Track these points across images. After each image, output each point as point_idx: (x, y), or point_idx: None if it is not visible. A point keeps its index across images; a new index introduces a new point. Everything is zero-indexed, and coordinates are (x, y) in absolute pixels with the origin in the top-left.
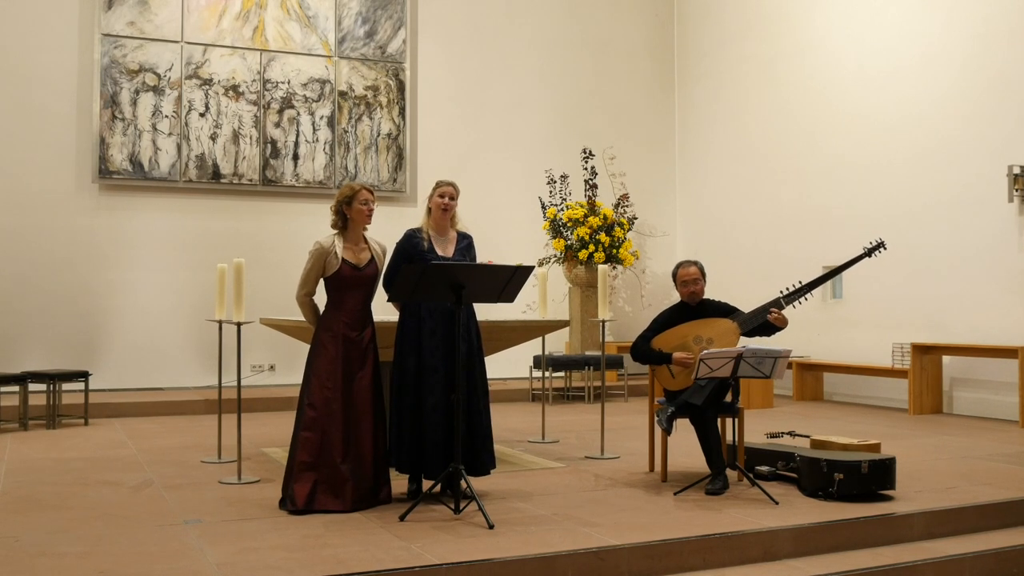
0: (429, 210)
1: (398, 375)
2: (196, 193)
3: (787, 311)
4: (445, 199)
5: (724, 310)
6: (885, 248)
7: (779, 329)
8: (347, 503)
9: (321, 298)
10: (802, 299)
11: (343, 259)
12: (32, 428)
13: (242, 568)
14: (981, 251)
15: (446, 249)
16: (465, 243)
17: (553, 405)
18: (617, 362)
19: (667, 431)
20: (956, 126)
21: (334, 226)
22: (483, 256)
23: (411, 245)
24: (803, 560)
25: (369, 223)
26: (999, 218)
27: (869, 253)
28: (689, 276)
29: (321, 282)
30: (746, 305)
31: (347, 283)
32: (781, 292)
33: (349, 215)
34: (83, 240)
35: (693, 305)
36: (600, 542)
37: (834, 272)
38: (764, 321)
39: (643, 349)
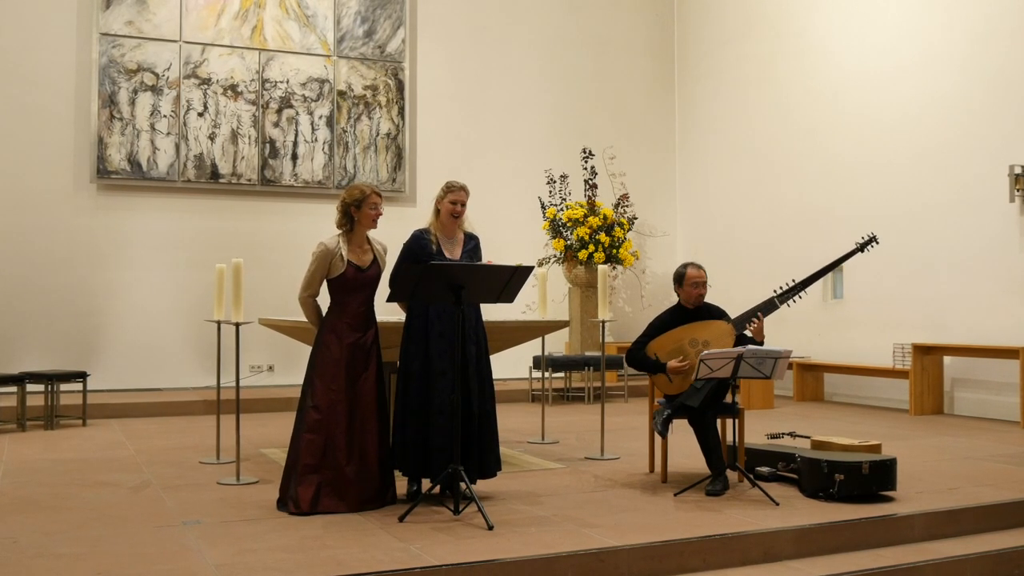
0: (437, 212)
1: (403, 376)
2: (194, 193)
3: (783, 310)
4: (458, 206)
5: (719, 313)
6: (877, 243)
7: (759, 343)
8: (352, 505)
9: (322, 298)
10: (796, 297)
11: (348, 260)
12: (30, 429)
13: (241, 569)
14: (982, 251)
15: (453, 251)
16: (472, 244)
17: (553, 406)
18: (617, 362)
19: (661, 434)
20: (956, 126)
21: (339, 225)
22: (484, 256)
23: (419, 246)
24: (804, 561)
25: (375, 228)
26: (1000, 218)
27: (861, 248)
28: (700, 278)
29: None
30: (745, 306)
31: (351, 285)
32: (775, 291)
33: (357, 218)
34: (81, 240)
35: (691, 308)
36: (600, 543)
37: (827, 269)
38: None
39: (638, 356)
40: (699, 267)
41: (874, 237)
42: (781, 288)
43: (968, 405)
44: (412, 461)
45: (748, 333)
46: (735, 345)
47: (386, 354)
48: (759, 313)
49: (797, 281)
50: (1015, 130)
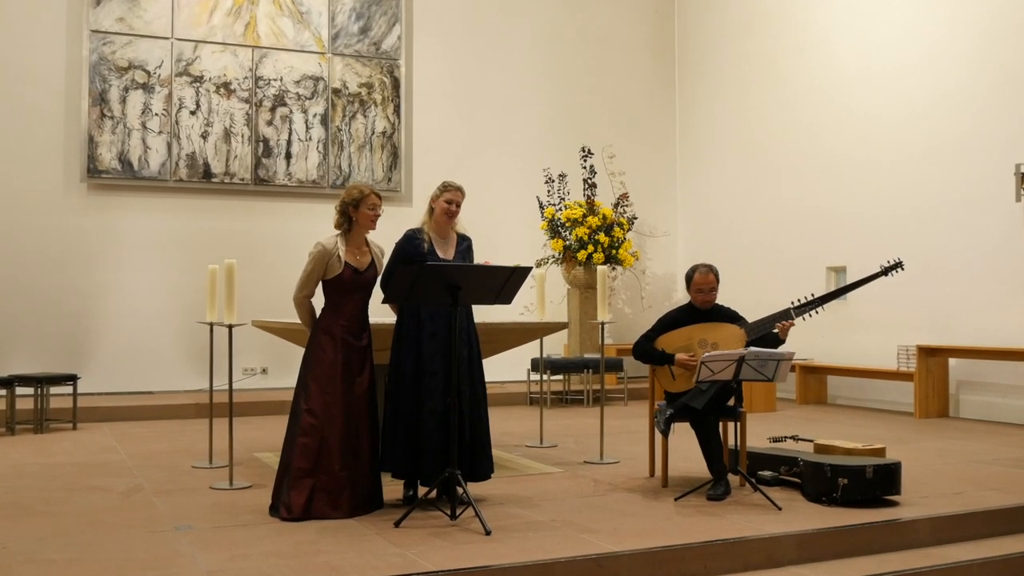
0: (431, 210)
1: (394, 378)
2: (187, 193)
3: (796, 322)
4: (453, 206)
5: (732, 316)
6: (903, 268)
7: (781, 342)
8: (345, 511)
9: (316, 300)
10: (813, 312)
11: (345, 262)
12: (20, 432)
13: (234, 575)
14: (988, 251)
15: (447, 251)
16: (465, 245)
17: (551, 409)
18: (616, 365)
19: (664, 434)
20: (962, 124)
21: (337, 226)
22: (480, 257)
23: (412, 246)
24: (807, 567)
25: (374, 228)
26: (1006, 218)
27: (886, 272)
28: (707, 284)
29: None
30: (748, 307)
31: (348, 286)
32: (792, 303)
33: (355, 218)
34: (71, 240)
35: (702, 309)
36: (599, 549)
37: (848, 288)
38: (771, 331)
39: (646, 348)
40: (707, 272)
41: (900, 263)
42: (799, 300)
43: (974, 408)
44: (403, 464)
45: (775, 331)
46: (757, 342)
47: (379, 356)
48: (778, 324)
49: (816, 296)
50: (1021, 128)
